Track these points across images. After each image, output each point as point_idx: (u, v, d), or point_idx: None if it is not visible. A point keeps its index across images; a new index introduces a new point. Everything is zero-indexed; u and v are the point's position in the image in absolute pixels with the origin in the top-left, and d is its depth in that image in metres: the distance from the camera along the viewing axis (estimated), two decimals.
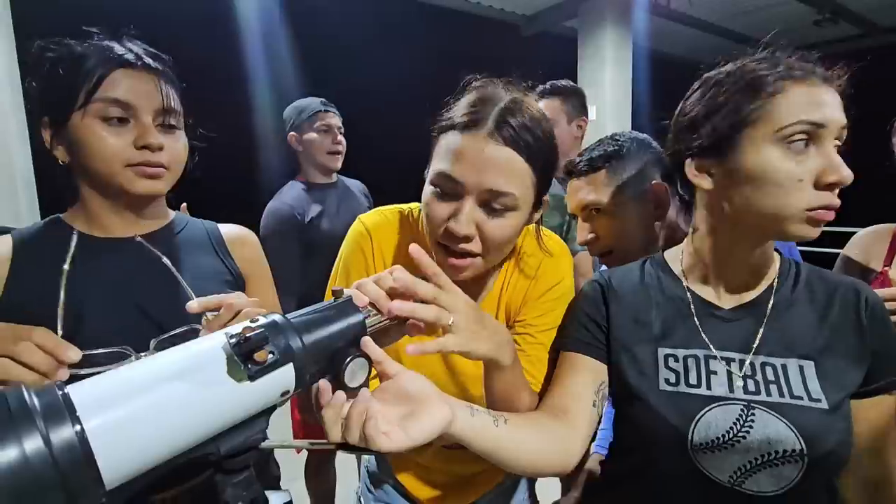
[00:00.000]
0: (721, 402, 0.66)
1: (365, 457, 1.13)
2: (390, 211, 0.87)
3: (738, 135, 0.65)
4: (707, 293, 0.74)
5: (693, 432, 0.66)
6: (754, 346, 0.69)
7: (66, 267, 0.69)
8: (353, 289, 0.55)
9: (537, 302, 0.82)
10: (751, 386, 0.66)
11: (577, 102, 1.87)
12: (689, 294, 0.75)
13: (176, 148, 0.74)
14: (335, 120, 1.91)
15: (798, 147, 0.62)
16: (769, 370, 0.67)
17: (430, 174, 0.73)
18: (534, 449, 0.66)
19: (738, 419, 0.65)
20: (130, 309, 0.71)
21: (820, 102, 0.63)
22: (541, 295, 0.82)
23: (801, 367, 0.66)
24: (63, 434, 0.30)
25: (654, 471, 0.73)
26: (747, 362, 0.68)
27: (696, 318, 0.73)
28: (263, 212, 1.83)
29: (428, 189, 0.73)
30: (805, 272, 0.74)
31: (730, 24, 5.51)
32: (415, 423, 0.52)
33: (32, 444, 0.29)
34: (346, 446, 0.53)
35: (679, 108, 0.75)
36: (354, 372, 0.48)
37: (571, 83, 1.89)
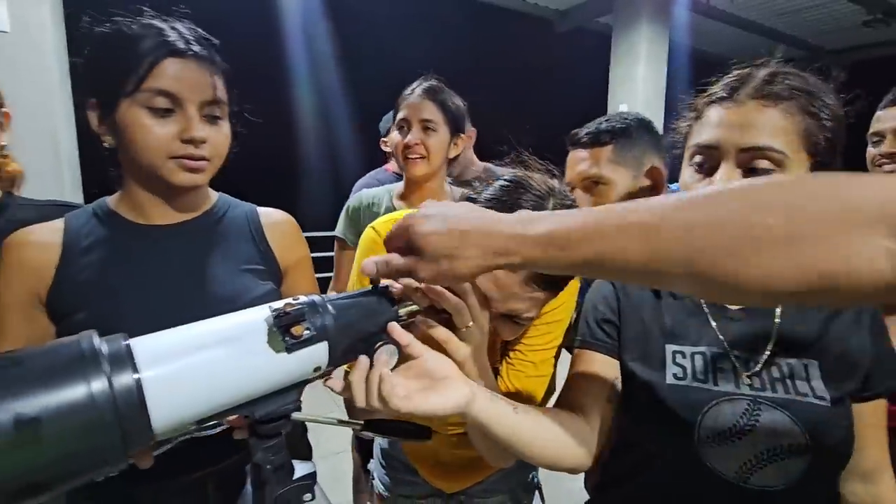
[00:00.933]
0: (728, 397, 0.68)
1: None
2: (400, 216, 0.90)
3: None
4: None
5: (700, 424, 0.67)
6: (764, 345, 0.70)
7: (108, 253, 0.72)
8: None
9: (533, 326, 0.83)
10: (756, 383, 0.68)
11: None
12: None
13: (218, 139, 0.74)
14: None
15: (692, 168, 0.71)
16: (774, 369, 0.68)
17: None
18: (549, 439, 0.68)
19: (744, 413, 0.66)
20: (165, 295, 0.73)
21: (716, 124, 0.69)
22: (540, 316, 0.82)
23: (805, 367, 0.68)
24: (124, 380, 0.34)
25: (658, 467, 0.74)
26: (755, 360, 0.70)
27: (709, 317, 0.74)
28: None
29: None
30: None
31: (773, 23, 5.34)
32: (433, 394, 0.54)
33: (99, 384, 0.32)
34: (370, 426, 0.56)
35: None
36: (384, 356, 0.51)
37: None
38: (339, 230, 1.48)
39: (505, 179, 0.73)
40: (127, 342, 0.36)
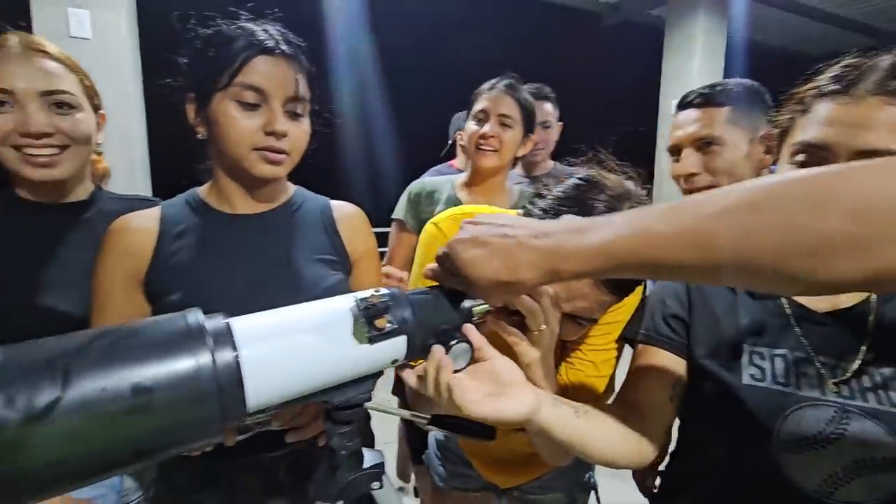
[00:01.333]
0: (812, 403, 0.64)
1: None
2: (461, 212, 0.94)
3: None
4: (800, 297, 0.71)
5: (781, 427, 0.64)
6: (854, 352, 0.64)
7: (198, 239, 0.78)
8: None
9: (595, 326, 0.81)
10: (845, 391, 0.63)
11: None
12: (783, 297, 0.71)
13: (298, 134, 0.78)
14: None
15: None
16: (866, 378, 0.63)
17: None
18: (608, 440, 0.67)
19: (831, 420, 0.62)
20: (248, 280, 0.78)
21: (827, 121, 0.65)
22: (602, 317, 0.80)
23: None
24: (225, 356, 0.35)
25: (729, 472, 0.71)
26: (843, 368, 0.64)
27: (792, 320, 0.69)
28: None
29: None
30: None
31: (840, 9, 4.98)
32: (503, 400, 0.54)
33: (204, 359, 0.34)
34: (438, 422, 0.56)
35: None
36: (457, 355, 0.51)
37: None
38: (398, 213, 1.51)
39: (579, 178, 0.72)
40: (227, 321, 0.38)
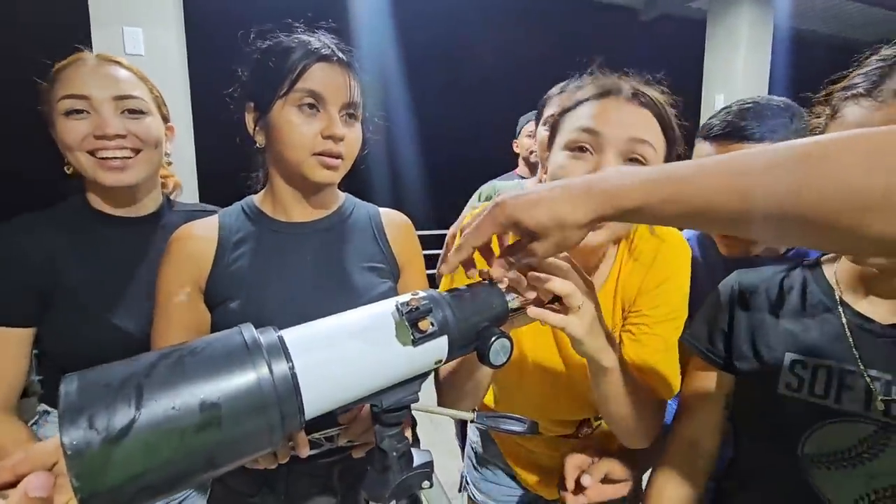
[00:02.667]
0: (850, 418, 0.61)
1: (472, 438, 1.18)
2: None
3: None
4: (862, 305, 0.67)
5: (805, 442, 0.62)
6: None
7: (255, 247, 0.81)
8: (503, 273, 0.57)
9: (653, 292, 0.80)
10: (894, 410, 0.59)
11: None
12: (839, 304, 0.68)
13: (353, 139, 0.81)
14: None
15: None
16: None
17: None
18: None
19: (866, 438, 0.59)
20: (303, 287, 0.80)
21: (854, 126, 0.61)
22: (657, 285, 0.80)
23: None
24: (281, 367, 0.37)
25: (763, 484, 0.70)
26: None
27: (847, 330, 0.66)
28: None
29: None
30: None
31: None
32: None
33: (262, 371, 0.36)
34: (482, 418, 0.57)
35: None
36: (498, 351, 0.52)
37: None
38: (468, 213, 1.53)
39: None
40: (279, 333, 0.40)
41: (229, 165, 0.96)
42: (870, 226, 0.35)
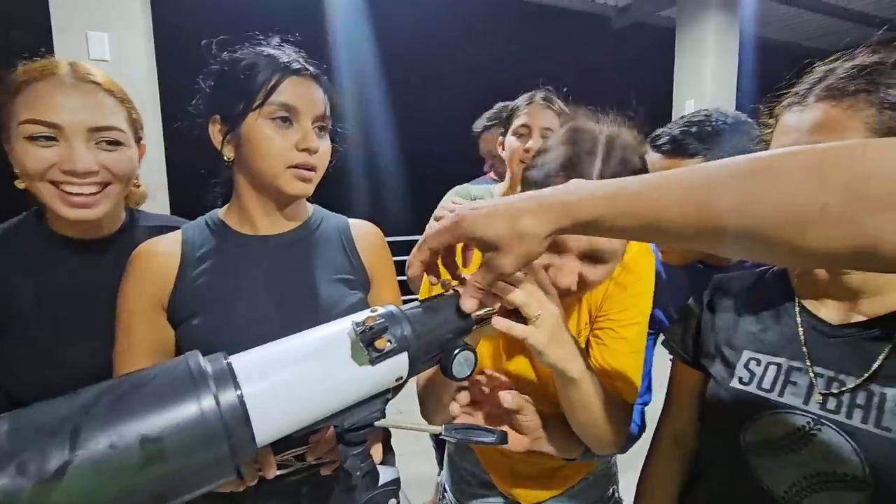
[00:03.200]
0: (788, 410, 0.65)
1: (449, 447, 1.17)
2: None
3: None
4: (815, 306, 0.71)
5: (747, 431, 0.66)
6: (863, 368, 0.62)
7: (219, 262, 0.78)
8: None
9: (620, 297, 0.82)
10: (831, 404, 0.63)
11: None
12: (797, 306, 0.72)
13: (325, 151, 0.81)
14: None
15: None
16: (862, 395, 0.61)
17: None
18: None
19: (799, 429, 0.63)
20: (270, 302, 0.79)
21: (787, 131, 0.65)
22: (624, 290, 0.82)
23: None
24: (229, 396, 0.36)
25: (711, 474, 0.75)
26: (842, 382, 0.63)
27: (800, 329, 0.70)
28: None
29: None
30: None
31: (856, 4, 4.88)
32: None
33: (207, 402, 0.34)
34: (449, 431, 0.57)
35: None
36: (461, 364, 0.51)
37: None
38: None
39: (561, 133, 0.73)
40: (228, 360, 0.39)
41: (201, 174, 0.92)
42: (808, 239, 0.36)
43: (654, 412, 0.93)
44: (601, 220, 0.44)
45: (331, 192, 0.95)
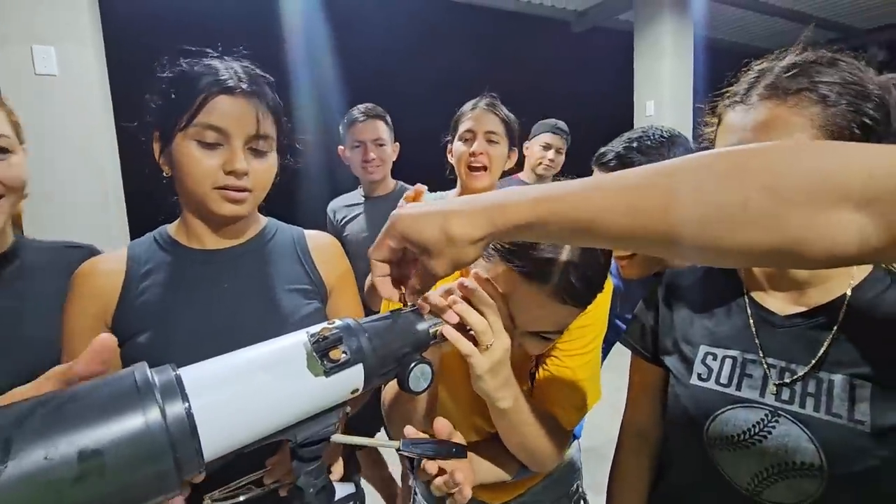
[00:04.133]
0: (746, 404, 0.67)
1: None
2: None
3: None
4: (763, 298, 0.73)
5: (709, 427, 0.68)
6: (810, 356, 0.65)
7: (166, 277, 0.77)
8: (419, 299, 0.58)
9: (567, 331, 0.82)
10: (785, 394, 0.65)
11: None
12: (746, 298, 0.74)
13: (261, 171, 0.78)
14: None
15: None
16: (812, 383, 0.63)
17: None
18: None
19: (758, 422, 0.65)
20: (220, 317, 0.77)
21: (732, 129, 0.69)
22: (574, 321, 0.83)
23: (852, 386, 0.61)
24: (175, 409, 0.35)
25: (677, 468, 0.78)
26: (793, 372, 0.65)
27: (750, 321, 0.72)
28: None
29: None
30: None
31: (802, 6, 5.14)
32: None
33: (153, 415, 0.34)
34: (408, 446, 0.57)
35: None
36: (418, 377, 0.52)
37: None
38: None
39: None
40: (176, 372, 0.38)
41: (158, 191, 0.90)
42: (734, 239, 0.37)
43: (618, 407, 0.94)
44: (534, 224, 0.44)
45: (295, 204, 0.94)
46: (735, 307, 0.75)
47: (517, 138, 1.55)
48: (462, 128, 1.47)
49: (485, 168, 1.44)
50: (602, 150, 0.97)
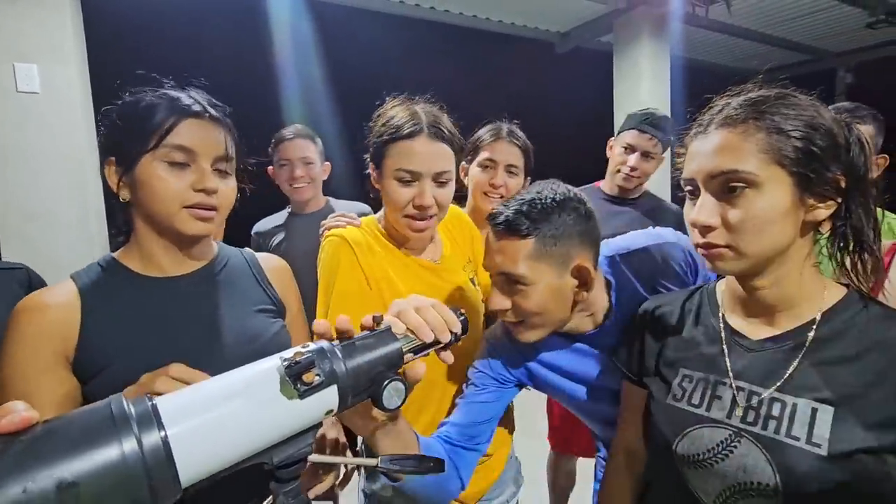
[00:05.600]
0: (712, 424, 0.70)
1: None
2: (349, 229, 1.06)
3: None
4: (738, 323, 0.76)
5: (678, 444, 0.72)
6: (776, 380, 0.68)
7: (126, 308, 0.76)
8: (393, 317, 0.60)
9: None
10: (749, 416, 0.67)
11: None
12: (721, 322, 0.77)
13: (227, 191, 0.81)
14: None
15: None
16: (776, 406, 0.66)
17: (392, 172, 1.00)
18: None
19: (721, 442, 0.67)
20: (188, 343, 0.77)
21: (692, 157, 0.74)
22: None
23: (813, 410, 0.63)
24: (152, 438, 0.36)
25: (656, 486, 0.82)
26: (758, 395, 0.68)
27: (723, 346, 0.75)
28: None
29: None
30: (875, 312, 0.67)
31: (774, 30, 5.35)
32: None
33: (129, 445, 0.35)
34: (387, 463, 0.58)
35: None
36: (391, 395, 0.53)
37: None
38: None
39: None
40: (152, 402, 0.39)
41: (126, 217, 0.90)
42: None
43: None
44: None
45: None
46: (712, 331, 0.78)
47: (532, 166, 1.58)
48: (482, 155, 1.50)
49: (501, 196, 1.47)
50: (495, 210, 0.89)
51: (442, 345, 0.61)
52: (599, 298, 0.94)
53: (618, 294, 0.96)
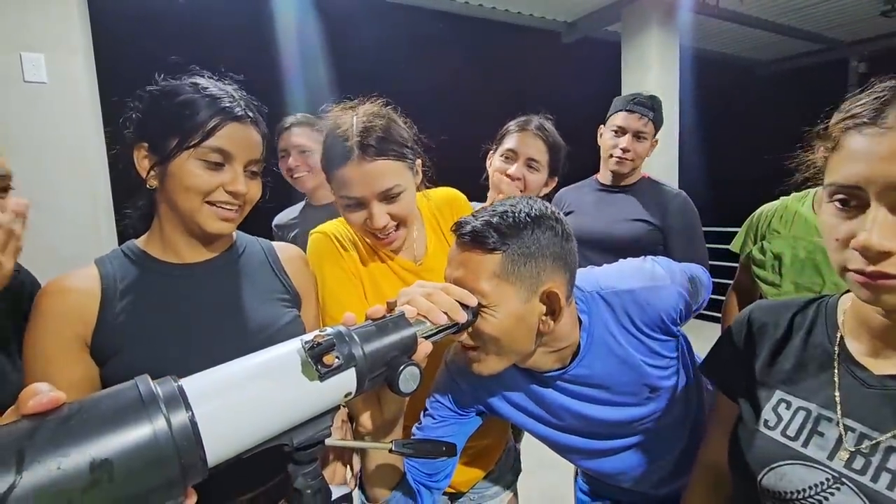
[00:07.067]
0: (808, 463, 0.61)
1: None
2: (331, 224, 1.06)
3: None
4: (859, 350, 0.64)
5: (763, 477, 0.64)
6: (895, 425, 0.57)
7: (145, 293, 0.77)
8: (406, 303, 0.61)
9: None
10: (856, 463, 0.58)
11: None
12: (837, 347, 0.66)
13: (254, 192, 0.83)
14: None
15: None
16: (894, 457, 0.56)
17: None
18: None
19: (817, 485, 0.59)
20: (204, 330, 0.79)
21: (859, 157, 0.57)
22: None
23: None
24: (180, 418, 0.37)
25: None
26: (871, 439, 0.58)
27: (836, 374, 0.64)
28: None
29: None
30: None
31: (786, 19, 5.27)
32: None
33: (159, 424, 0.35)
34: (399, 447, 0.59)
35: None
36: (407, 379, 0.54)
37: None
38: None
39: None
40: (178, 383, 0.40)
41: (147, 199, 0.91)
42: None
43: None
44: None
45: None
46: (824, 355, 0.66)
47: (561, 167, 1.48)
48: (506, 145, 1.44)
49: (519, 190, 1.42)
50: (461, 219, 0.78)
51: (457, 326, 0.62)
52: (568, 334, 0.82)
53: (589, 335, 0.85)
